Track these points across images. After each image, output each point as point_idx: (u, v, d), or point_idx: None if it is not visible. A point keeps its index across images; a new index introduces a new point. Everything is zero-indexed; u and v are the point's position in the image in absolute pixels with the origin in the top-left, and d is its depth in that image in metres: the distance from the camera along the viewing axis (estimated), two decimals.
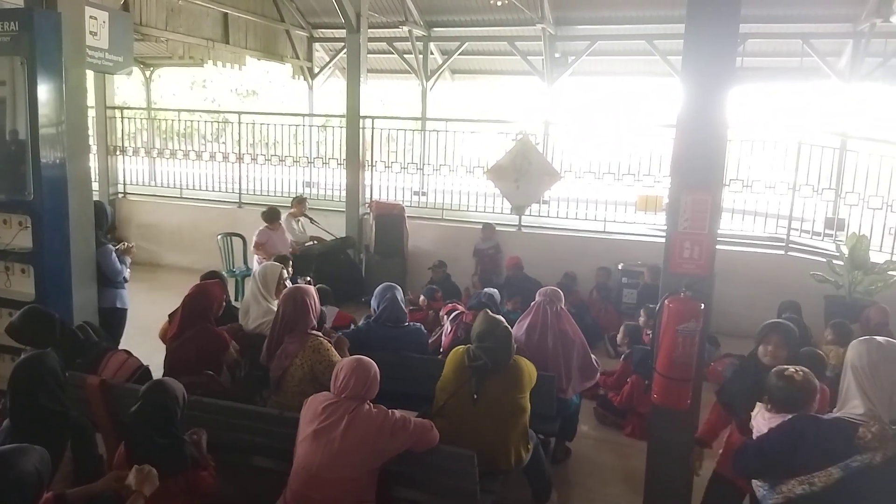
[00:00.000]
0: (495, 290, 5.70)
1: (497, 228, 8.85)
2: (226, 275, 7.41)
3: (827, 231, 8.34)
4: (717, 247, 3.48)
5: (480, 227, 8.79)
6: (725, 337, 6.88)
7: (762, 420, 2.61)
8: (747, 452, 2.55)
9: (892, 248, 7.37)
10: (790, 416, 2.47)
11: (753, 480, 2.59)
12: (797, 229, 8.25)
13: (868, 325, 5.47)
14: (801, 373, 2.59)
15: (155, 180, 12.10)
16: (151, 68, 14.68)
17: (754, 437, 2.67)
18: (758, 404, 2.79)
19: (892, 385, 2.20)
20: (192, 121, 13.01)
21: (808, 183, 7.93)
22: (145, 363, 3.95)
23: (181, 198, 10.99)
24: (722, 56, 3.34)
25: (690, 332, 3.27)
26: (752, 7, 10.21)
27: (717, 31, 3.31)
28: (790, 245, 8.00)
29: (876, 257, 6.94)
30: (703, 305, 3.31)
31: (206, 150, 11.23)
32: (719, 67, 3.33)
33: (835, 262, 7.03)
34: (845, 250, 6.90)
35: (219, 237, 8.73)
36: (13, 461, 2.17)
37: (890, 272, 6.70)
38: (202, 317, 3.96)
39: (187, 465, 2.78)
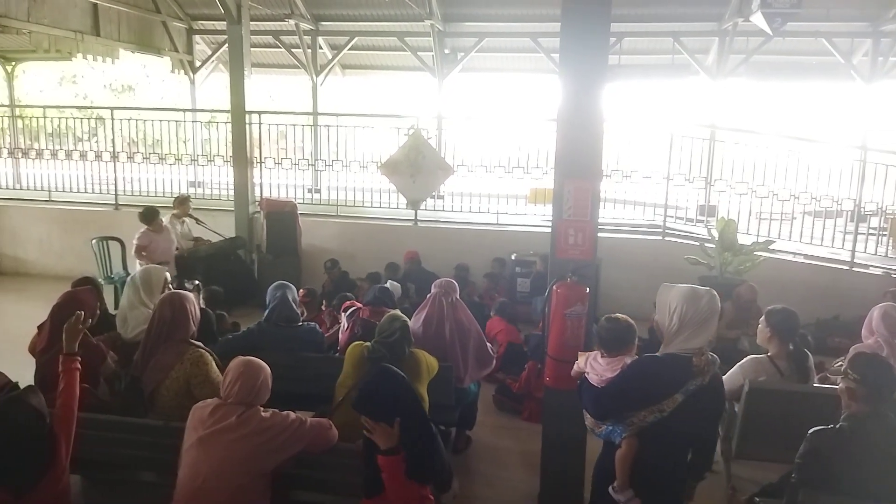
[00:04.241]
0: (397, 283, 5.67)
1: (393, 224, 8.84)
2: (103, 281, 6.96)
3: (700, 217, 8.97)
4: (602, 235, 3.67)
5: (377, 224, 8.75)
6: None
7: (599, 366, 2.91)
8: (607, 394, 2.79)
9: (758, 230, 8.03)
10: (635, 359, 2.82)
11: (596, 423, 2.83)
12: (672, 216, 8.80)
13: (739, 302, 5.94)
14: (623, 316, 3.01)
15: (20, 183, 11.14)
16: (13, 63, 13.44)
17: (595, 381, 2.88)
18: (581, 355, 3.09)
19: (700, 319, 2.62)
20: (61, 118, 12.06)
21: (680, 172, 8.48)
22: (14, 379, 3.61)
23: (50, 201, 10.20)
24: (595, 54, 3.51)
25: (577, 316, 3.41)
26: (625, 7, 10.77)
27: (590, 31, 3.48)
28: (667, 231, 8.53)
29: (744, 239, 7.53)
30: (588, 289, 3.46)
31: (77, 149, 10.46)
32: (593, 65, 3.50)
33: (707, 245, 7.56)
34: (716, 234, 7.44)
35: (93, 241, 8.14)
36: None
37: (756, 253, 7.30)
38: None
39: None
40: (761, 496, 3.39)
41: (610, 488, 2.76)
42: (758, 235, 7.88)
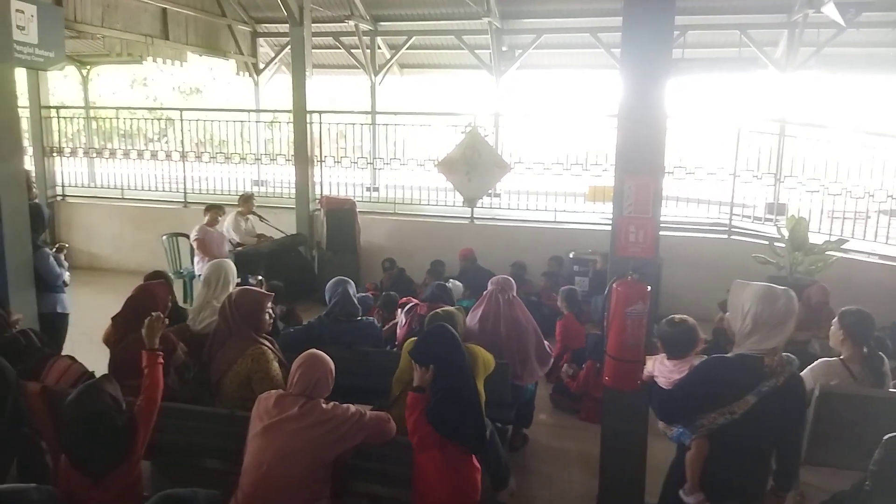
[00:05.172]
0: (460, 283, 5.67)
1: (450, 221, 8.85)
2: (172, 276, 7.24)
3: (768, 215, 8.63)
4: (664, 233, 3.58)
5: (434, 221, 8.80)
6: None
7: (665, 368, 2.93)
8: (674, 397, 2.75)
9: (830, 228, 7.68)
10: (702, 361, 2.75)
11: (666, 426, 2.81)
12: (739, 214, 8.51)
13: (809, 303, 5.67)
14: (684, 317, 3.03)
15: (95, 181, 11.70)
16: (88, 67, 14.14)
17: (663, 384, 2.91)
18: (649, 358, 3.10)
19: (776, 321, 2.52)
20: (132, 119, 12.61)
21: (748, 169, 8.18)
22: (90, 368, 3.80)
23: (123, 198, 10.68)
24: (658, 48, 3.41)
25: (638, 315, 3.32)
26: None
27: (653, 24, 3.38)
28: (733, 229, 8.25)
29: (815, 238, 7.21)
30: (649, 288, 3.38)
31: (148, 149, 10.92)
32: (656, 59, 3.40)
33: (776, 244, 7.27)
34: (786, 233, 7.14)
35: (164, 238, 8.49)
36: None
37: (829, 252, 6.97)
38: (146, 318, 3.82)
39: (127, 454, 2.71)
40: None
41: (680, 491, 2.71)
42: (830, 234, 7.52)
